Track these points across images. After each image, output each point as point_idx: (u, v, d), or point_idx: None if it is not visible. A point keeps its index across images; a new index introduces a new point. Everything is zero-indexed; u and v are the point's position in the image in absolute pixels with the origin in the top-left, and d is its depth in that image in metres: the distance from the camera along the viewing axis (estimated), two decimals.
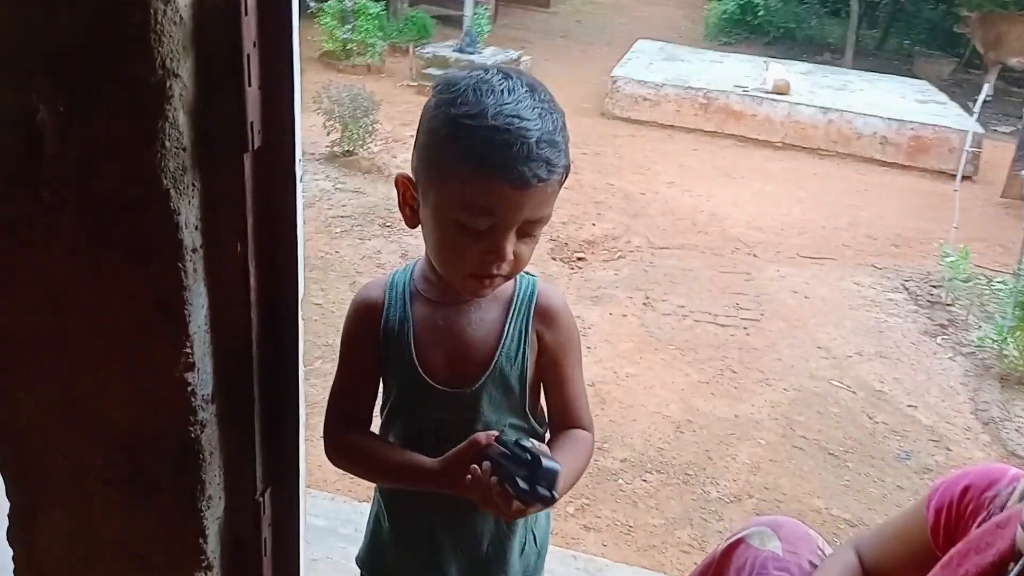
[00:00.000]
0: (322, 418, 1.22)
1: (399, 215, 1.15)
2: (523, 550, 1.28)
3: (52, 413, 1.04)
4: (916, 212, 6.49)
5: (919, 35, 12.27)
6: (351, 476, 1.26)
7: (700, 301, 4.73)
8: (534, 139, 1.00)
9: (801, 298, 4.88)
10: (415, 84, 8.47)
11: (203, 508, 1.07)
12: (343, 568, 1.87)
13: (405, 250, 4.92)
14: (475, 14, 9.26)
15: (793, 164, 7.57)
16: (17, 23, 0.88)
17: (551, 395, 1.24)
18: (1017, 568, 1.02)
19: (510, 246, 1.05)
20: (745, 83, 8.53)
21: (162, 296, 0.97)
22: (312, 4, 9.08)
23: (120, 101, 0.90)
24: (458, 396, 1.17)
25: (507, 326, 1.17)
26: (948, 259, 4.87)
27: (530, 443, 1.02)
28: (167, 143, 0.91)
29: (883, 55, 12.07)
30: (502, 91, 1.01)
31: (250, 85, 0.96)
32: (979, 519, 1.16)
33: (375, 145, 6.43)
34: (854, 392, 3.97)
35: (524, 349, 1.18)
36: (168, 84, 0.89)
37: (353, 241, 5.07)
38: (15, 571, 1.15)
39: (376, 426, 1.26)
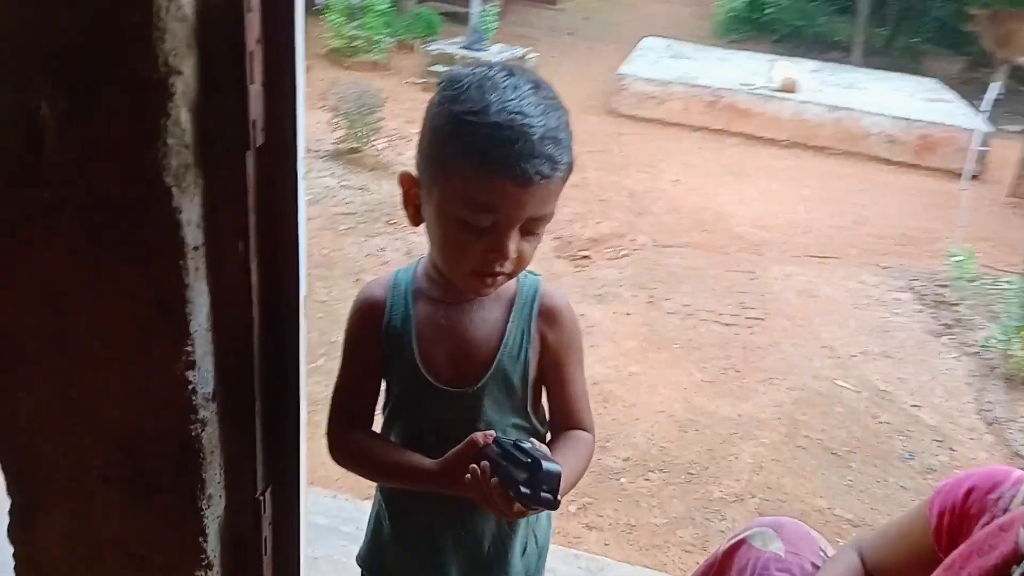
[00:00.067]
0: (325, 416, 1.22)
1: (404, 212, 1.15)
2: (525, 550, 1.28)
3: (52, 412, 1.04)
4: (923, 211, 6.47)
5: (928, 33, 12.20)
6: (354, 474, 1.26)
7: (704, 300, 4.72)
8: (537, 136, 0.99)
9: (806, 297, 4.86)
10: (421, 81, 8.46)
11: (203, 507, 1.07)
12: (344, 566, 1.87)
13: (410, 248, 4.91)
14: (482, 11, 9.24)
15: (800, 162, 7.55)
16: (18, 22, 0.88)
17: (552, 396, 1.24)
18: (1020, 571, 1.01)
19: (512, 244, 1.04)
20: (752, 81, 8.50)
21: (163, 295, 0.97)
22: (319, 0, 9.07)
23: (121, 99, 0.90)
24: (460, 396, 1.16)
25: (509, 325, 1.17)
26: (954, 258, 4.85)
27: (529, 444, 1.02)
28: (169, 141, 0.91)
29: (892, 53, 12.01)
30: (505, 88, 1.01)
31: (253, 83, 0.96)
32: (982, 521, 1.15)
33: (380, 142, 6.43)
34: (858, 392, 3.95)
35: (527, 349, 1.18)
36: (170, 82, 0.89)
37: (358, 238, 5.07)
38: (15, 569, 1.16)
39: (378, 425, 1.25)
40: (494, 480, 1.01)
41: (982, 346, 4.33)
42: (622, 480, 3.19)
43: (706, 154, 7.51)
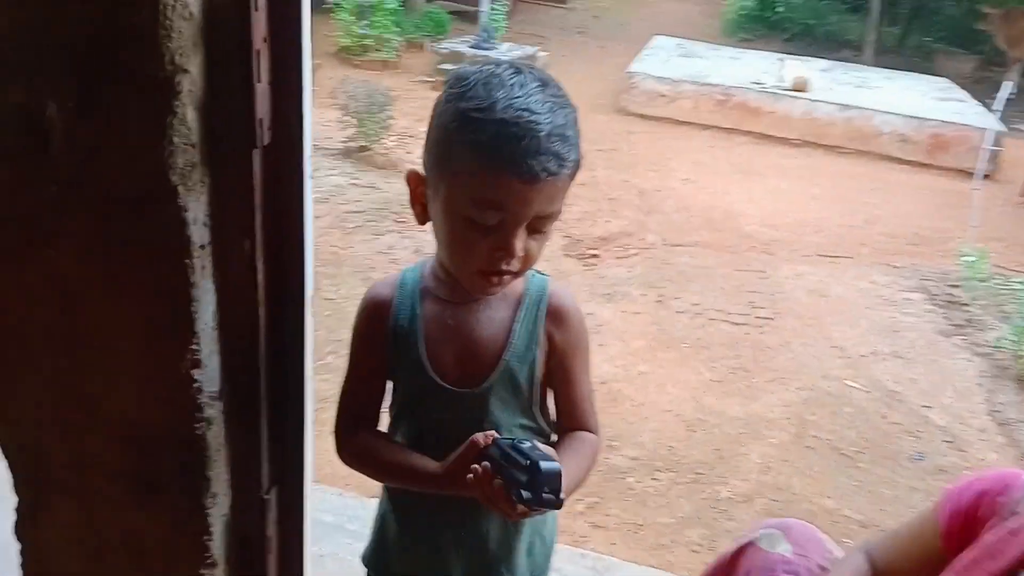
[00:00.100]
0: (333, 413, 1.22)
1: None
2: (530, 551, 1.27)
3: (59, 410, 1.05)
4: (935, 211, 6.43)
5: (940, 32, 12.13)
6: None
7: (714, 299, 4.70)
8: (544, 133, 0.99)
9: (816, 297, 4.84)
10: (430, 80, 8.45)
11: (209, 506, 1.07)
12: (349, 564, 1.87)
13: (418, 246, 4.91)
14: (492, 10, 9.24)
15: (810, 161, 7.51)
16: (25, 20, 0.88)
17: (558, 396, 1.23)
18: None
19: (519, 242, 1.04)
20: (763, 80, 8.46)
21: (169, 293, 0.97)
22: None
23: (128, 98, 0.90)
24: (467, 396, 1.16)
25: (516, 325, 1.17)
26: (966, 258, 4.82)
27: (528, 445, 1.01)
28: (175, 140, 0.91)
29: (903, 52, 11.95)
30: (512, 85, 1.01)
31: (259, 81, 0.96)
32: (991, 524, 1.14)
33: (390, 141, 6.43)
34: (868, 392, 3.93)
35: (534, 349, 1.17)
36: (176, 80, 0.89)
37: (367, 236, 5.07)
38: (21, 566, 1.16)
39: (384, 425, 1.25)
40: (497, 481, 1.00)
41: (993, 347, 4.31)
42: (629, 479, 3.18)
43: (716, 153, 7.48)
